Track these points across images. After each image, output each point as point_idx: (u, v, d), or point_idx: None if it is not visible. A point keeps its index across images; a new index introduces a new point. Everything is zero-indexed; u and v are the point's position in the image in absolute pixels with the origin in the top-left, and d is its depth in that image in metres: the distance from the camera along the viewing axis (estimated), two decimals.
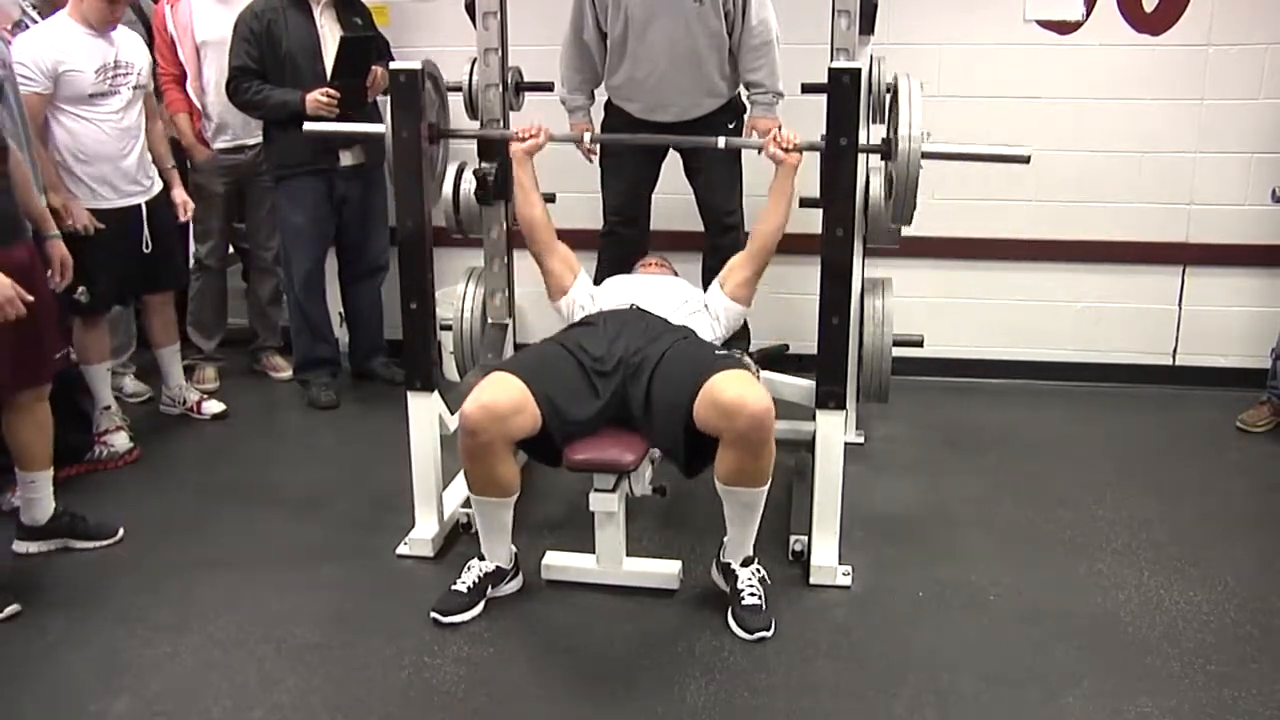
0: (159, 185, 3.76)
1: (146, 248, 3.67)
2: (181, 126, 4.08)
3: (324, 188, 4.07)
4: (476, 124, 3.46)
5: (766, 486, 2.68)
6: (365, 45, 3.87)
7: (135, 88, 3.59)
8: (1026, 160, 2.80)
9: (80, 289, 3.50)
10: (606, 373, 2.76)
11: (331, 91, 3.86)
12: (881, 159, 3.00)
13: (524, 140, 3.08)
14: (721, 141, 3.13)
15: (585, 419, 2.73)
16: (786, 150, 2.92)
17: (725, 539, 2.79)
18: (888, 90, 2.98)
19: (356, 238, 4.25)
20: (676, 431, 2.67)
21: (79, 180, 3.50)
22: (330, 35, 3.96)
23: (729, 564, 2.77)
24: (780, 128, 3.62)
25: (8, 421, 2.93)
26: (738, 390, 2.57)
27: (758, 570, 2.77)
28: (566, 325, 3.05)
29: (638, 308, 2.98)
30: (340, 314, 4.46)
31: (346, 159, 4.07)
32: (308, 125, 3.34)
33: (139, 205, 3.65)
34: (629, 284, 3.18)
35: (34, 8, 3.65)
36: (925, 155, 2.75)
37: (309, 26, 3.97)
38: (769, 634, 2.64)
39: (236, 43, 3.93)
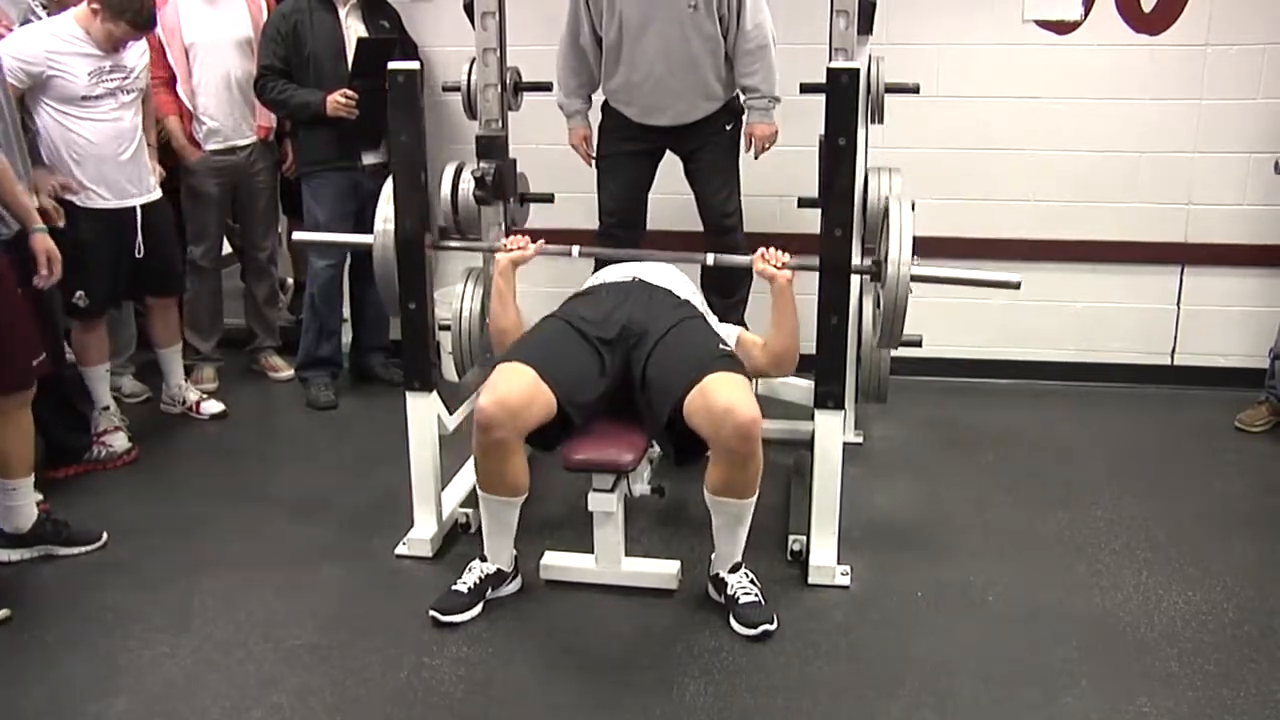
0: (157, 190, 3.76)
1: (138, 252, 3.66)
2: (172, 128, 4.08)
3: (348, 186, 4.09)
4: (476, 125, 3.47)
5: (753, 499, 2.69)
6: (384, 47, 3.87)
7: (131, 90, 3.58)
8: (1016, 286, 2.80)
9: (79, 293, 3.50)
10: (609, 340, 2.77)
11: (350, 92, 3.90)
12: (871, 280, 2.98)
13: (510, 251, 3.01)
14: (710, 259, 3.05)
15: (597, 395, 2.74)
16: (778, 267, 2.83)
17: (713, 555, 2.80)
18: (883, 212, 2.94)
19: None
20: (662, 416, 2.67)
21: (74, 180, 3.49)
22: (354, 37, 4.00)
23: (718, 574, 2.78)
24: (775, 134, 3.67)
25: None
26: (729, 397, 2.56)
27: (746, 573, 2.77)
28: (568, 298, 3.03)
29: (640, 280, 2.97)
30: (344, 319, 4.46)
31: (369, 159, 4.09)
32: (296, 235, 3.49)
33: (134, 208, 3.64)
34: (631, 264, 3.16)
35: (43, 7, 3.65)
36: (915, 278, 2.75)
37: (334, 27, 4.00)
38: (772, 627, 2.64)
39: (265, 43, 4.00)
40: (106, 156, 3.54)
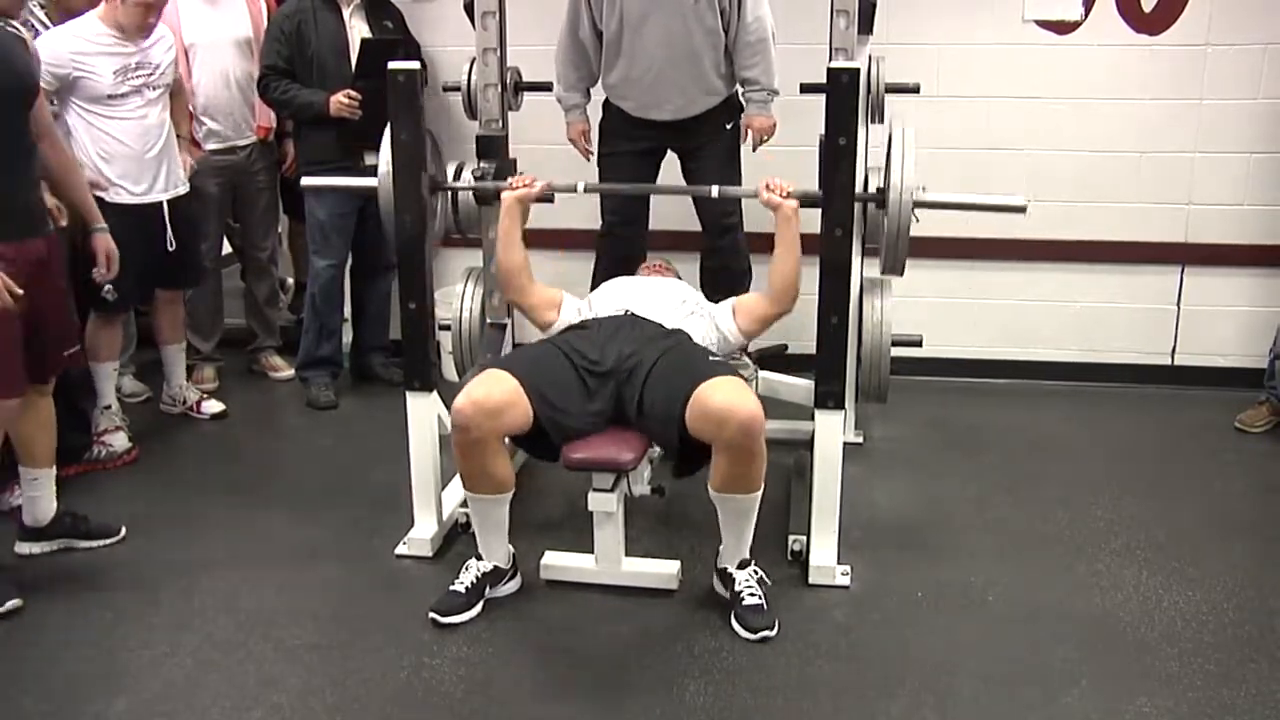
0: (185, 185, 3.79)
1: (170, 246, 3.70)
2: None
3: None
4: (476, 124, 3.47)
5: (759, 493, 2.69)
6: (387, 47, 3.86)
7: (158, 87, 3.62)
8: (1023, 210, 2.81)
9: (107, 287, 3.51)
10: (601, 374, 2.76)
11: (353, 93, 3.91)
12: (876, 209, 2.99)
13: (516, 189, 3.04)
14: (715, 191, 3.15)
15: (580, 416, 2.73)
16: (783, 197, 2.87)
17: (720, 547, 2.80)
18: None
19: (375, 236, 4.26)
20: (670, 436, 2.68)
21: (102, 177, 3.52)
22: (358, 37, 4.00)
23: (725, 568, 2.78)
24: (773, 127, 3.67)
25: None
26: (726, 398, 2.56)
27: (755, 571, 2.77)
28: (561, 330, 3.04)
29: (632, 314, 2.97)
30: (345, 318, 4.46)
31: (372, 159, 4.08)
32: (305, 181, 3.48)
33: (161, 203, 3.67)
34: (625, 288, 3.16)
35: (41, 8, 3.66)
36: (918, 205, 2.75)
37: (338, 27, 4.01)
38: (772, 633, 2.64)
39: (268, 42, 4.02)
40: (134, 153, 3.58)
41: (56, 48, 3.40)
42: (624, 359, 2.76)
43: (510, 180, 3.10)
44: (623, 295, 3.09)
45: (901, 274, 2.95)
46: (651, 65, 3.54)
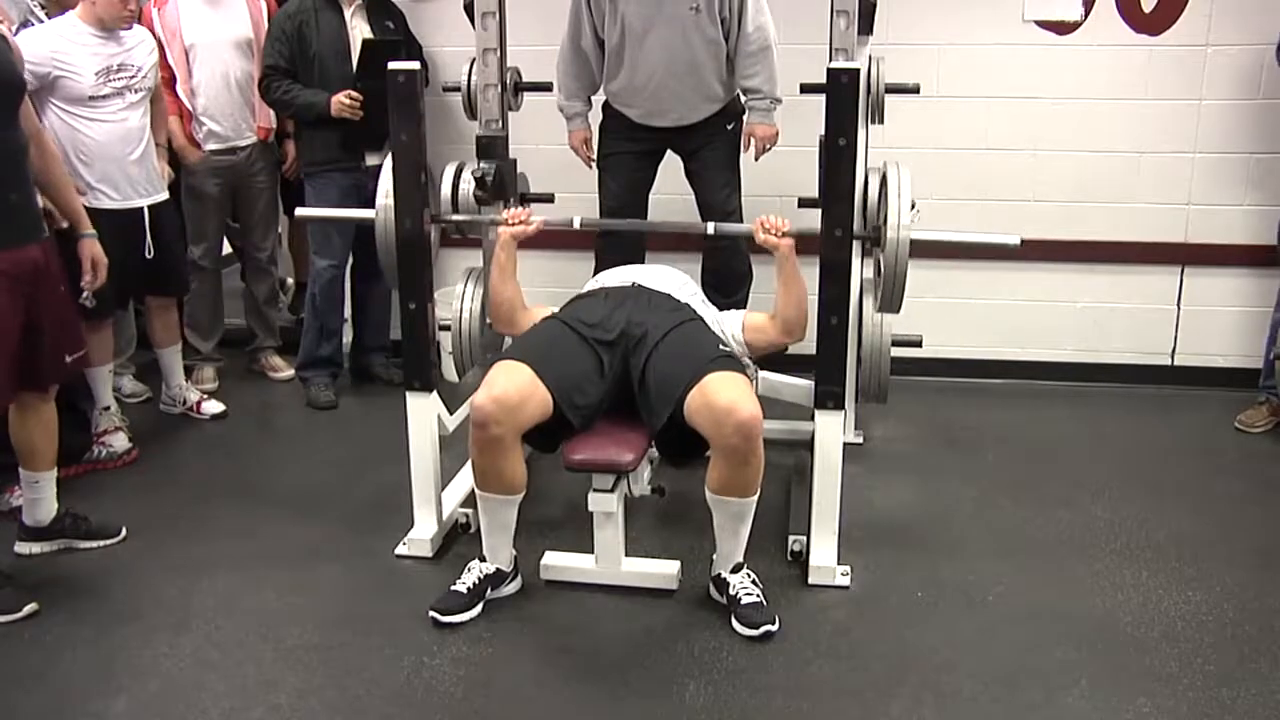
0: (164, 192, 3.77)
1: (149, 253, 3.68)
2: (172, 128, 4.08)
3: (351, 186, 4.08)
4: (476, 125, 3.47)
5: (755, 498, 2.69)
6: (388, 49, 3.86)
7: (139, 90, 3.60)
8: (1017, 247, 2.81)
9: (86, 294, 3.51)
10: (608, 342, 2.77)
11: (354, 94, 3.91)
12: (871, 247, 2.98)
13: (512, 225, 3.03)
14: (711, 228, 3.12)
15: (596, 397, 2.73)
16: (779, 236, 2.85)
17: (715, 554, 2.80)
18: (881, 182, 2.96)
19: None
20: (662, 416, 2.68)
21: (81, 180, 3.50)
22: (359, 37, 4.01)
23: (719, 574, 2.78)
24: (776, 135, 3.67)
25: (13, 420, 2.93)
26: (730, 395, 2.57)
27: (748, 574, 2.77)
28: (567, 301, 3.03)
29: (639, 284, 2.98)
30: (345, 318, 4.46)
31: (373, 159, 4.09)
32: (299, 211, 3.51)
33: (141, 209, 3.66)
34: (631, 268, 3.18)
35: (41, 7, 3.66)
36: (915, 243, 2.75)
37: (339, 28, 4.01)
38: (774, 628, 2.64)
39: (269, 42, 4.02)
40: (114, 157, 3.56)
41: (36, 46, 3.36)
42: (632, 325, 2.77)
43: (506, 214, 3.10)
44: (629, 272, 3.10)
45: (898, 312, 2.94)
46: (653, 75, 3.54)
